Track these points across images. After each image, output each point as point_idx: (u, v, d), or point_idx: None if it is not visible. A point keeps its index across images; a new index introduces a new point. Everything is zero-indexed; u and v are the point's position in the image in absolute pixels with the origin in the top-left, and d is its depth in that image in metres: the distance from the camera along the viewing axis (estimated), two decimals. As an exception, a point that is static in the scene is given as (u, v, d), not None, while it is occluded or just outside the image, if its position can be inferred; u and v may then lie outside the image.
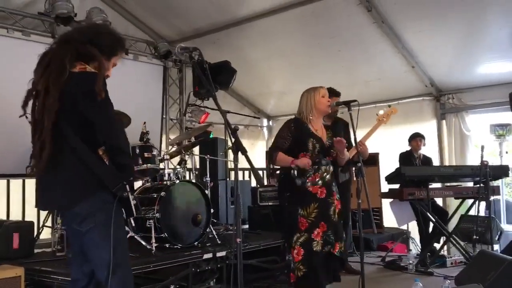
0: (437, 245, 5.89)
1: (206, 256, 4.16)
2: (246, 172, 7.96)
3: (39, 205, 2.53)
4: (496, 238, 6.04)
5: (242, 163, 2.57)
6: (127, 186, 2.37)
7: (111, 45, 2.48)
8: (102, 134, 2.31)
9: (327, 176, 3.51)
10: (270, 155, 3.58)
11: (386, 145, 7.23)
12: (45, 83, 2.28)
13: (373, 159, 7.07)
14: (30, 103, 2.39)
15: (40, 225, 5.04)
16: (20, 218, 5.41)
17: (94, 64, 2.38)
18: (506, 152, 6.91)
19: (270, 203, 5.76)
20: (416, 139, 6.33)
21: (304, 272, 3.37)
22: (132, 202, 2.43)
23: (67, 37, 2.48)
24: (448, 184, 6.01)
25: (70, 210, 2.32)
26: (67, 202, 2.30)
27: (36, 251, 4.33)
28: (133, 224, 4.38)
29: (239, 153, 2.47)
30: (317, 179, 3.46)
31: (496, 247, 5.88)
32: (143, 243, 4.14)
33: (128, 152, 2.42)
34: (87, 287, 2.45)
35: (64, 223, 2.67)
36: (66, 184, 2.28)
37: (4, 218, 5.25)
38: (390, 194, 5.71)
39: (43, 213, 5.16)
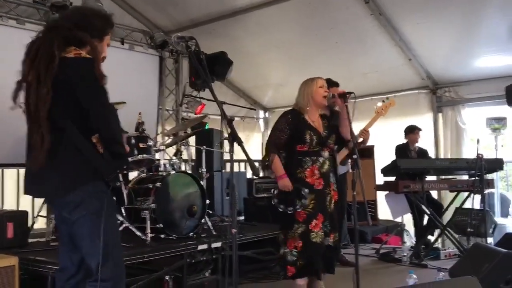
0: (431, 238, 5.92)
1: (201, 247, 4.16)
2: (242, 164, 7.95)
3: (32, 192, 2.50)
4: (490, 231, 6.08)
5: (238, 154, 2.56)
6: (121, 176, 2.36)
7: (100, 25, 2.44)
8: (96, 122, 2.29)
9: (325, 167, 3.51)
10: (267, 151, 3.57)
11: (382, 138, 7.21)
12: (36, 73, 2.24)
13: (369, 152, 7.08)
14: (22, 95, 2.35)
15: (35, 215, 5.02)
16: (14, 208, 5.40)
17: (87, 48, 2.34)
18: (502, 146, 6.94)
19: (265, 195, 5.77)
20: (414, 132, 6.32)
21: (302, 264, 3.37)
22: (124, 192, 2.42)
23: (53, 25, 2.44)
24: (443, 177, 6.04)
25: (62, 198, 2.30)
26: (61, 190, 2.28)
27: (30, 240, 4.32)
28: (124, 214, 4.39)
29: (235, 144, 2.46)
30: (315, 171, 3.46)
31: (490, 240, 5.91)
32: (138, 233, 4.13)
33: (121, 141, 2.40)
34: (76, 276, 2.43)
35: (54, 211, 2.63)
36: (60, 172, 2.26)
37: (-2, 207, 5.24)
38: (385, 186, 5.73)
39: (38, 203, 5.14)
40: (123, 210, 4.32)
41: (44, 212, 4.95)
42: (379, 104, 3.94)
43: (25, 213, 4.39)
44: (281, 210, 3.46)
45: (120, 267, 2.41)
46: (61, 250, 2.51)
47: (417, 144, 6.38)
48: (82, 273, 2.42)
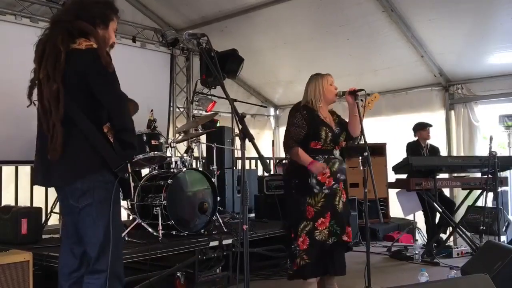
0: (443, 236, 5.88)
1: (212, 243, 4.18)
2: (253, 161, 7.96)
3: (41, 181, 2.51)
4: (503, 229, 6.03)
5: (249, 152, 2.56)
6: (129, 167, 2.38)
7: (102, 12, 2.44)
8: (109, 111, 2.33)
9: (336, 166, 3.50)
10: (287, 147, 3.53)
11: (394, 135, 7.22)
12: (45, 71, 2.29)
13: (380, 149, 7.06)
14: (35, 92, 2.40)
15: (48, 211, 5.09)
16: (28, 204, 5.46)
17: (92, 38, 2.37)
18: (515, 143, 6.85)
19: (276, 192, 5.77)
20: (425, 129, 6.26)
21: (306, 262, 3.38)
22: (132, 184, 2.45)
23: (55, 19, 2.47)
24: (456, 174, 5.99)
25: (70, 186, 2.33)
26: (69, 177, 2.31)
27: (44, 236, 4.37)
28: (129, 206, 4.45)
29: (246, 141, 2.46)
30: (326, 169, 3.45)
31: (503, 238, 5.86)
32: (150, 230, 4.17)
33: (133, 129, 2.42)
34: (79, 270, 2.44)
35: (61, 201, 2.65)
36: (69, 161, 2.29)
37: (13, 204, 5.30)
38: (397, 184, 5.70)
39: (51, 199, 5.20)
40: (128, 203, 4.40)
41: (57, 209, 5.01)
42: (363, 99, 3.89)
43: (39, 209, 4.44)
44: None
45: (119, 260, 2.44)
46: (64, 244, 2.54)
47: (428, 141, 6.33)
48: (85, 267, 2.43)
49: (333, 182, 3.44)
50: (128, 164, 2.38)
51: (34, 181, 2.52)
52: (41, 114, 2.36)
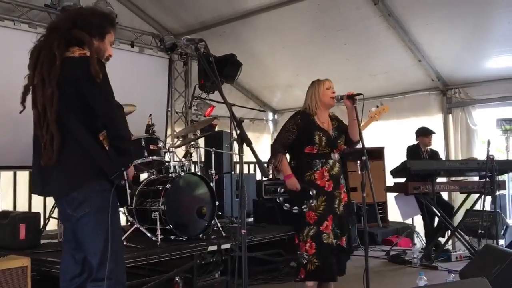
0: (442, 240, 5.88)
1: (211, 248, 4.18)
2: (251, 166, 7.96)
3: (39, 191, 2.52)
4: (502, 233, 6.03)
5: (247, 156, 2.56)
6: (125, 175, 2.38)
7: (99, 24, 2.45)
8: (102, 118, 2.33)
9: (335, 169, 3.51)
10: (274, 150, 3.58)
11: (392, 139, 7.23)
12: (40, 75, 2.30)
13: (379, 153, 7.06)
14: (29, 98, 2.40)
15: (47, 216, 5.08)
16: (26, 209, 5.45)
17: (87, 48, 2.37)
18: (513, 147, 6.87)
19: (274, 197, 5.76)
20: (428, 136, 6.28)
21: (317, 265, 3.38)
22: (128, 191, 2.45)
23: (52, 26, 2.48)
24: (454, 178, 5.99)
25: (67, 196, 2.33)
26: (66, 188, 2.31)
27: (42, 242, 4.36)
28: (126, 213, 4.47)
29: (244, 146, 2.47)
30: (324, 173, 3.47)
31: (502, 242, 5.87)
32: (149, 234, 4.16)
33: (128, 137, 2.43)
34: (81, 275, 2.44)
35: (59, 209, 2.65)
36: (66, 170, 2.29)
37: (11, 209, 5.29)
38: (395, 188, 5.71)
39: (50, 204, 5.19)
40: (125, 210, 4.42)
41: (56, 214, 5.00)
42: (373, 109, 3.90)
43: (37, 214, 4.43)
44: (285, 209, 3.48)
45: (121, 266, 2.43)
46: (65, 249, 2.53)
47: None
48: (86, 272, 2.43)
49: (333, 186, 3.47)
50: (124, 172, 2.38)
51: (32, 190, 2.52)
52: (36, 121, 2.35)
